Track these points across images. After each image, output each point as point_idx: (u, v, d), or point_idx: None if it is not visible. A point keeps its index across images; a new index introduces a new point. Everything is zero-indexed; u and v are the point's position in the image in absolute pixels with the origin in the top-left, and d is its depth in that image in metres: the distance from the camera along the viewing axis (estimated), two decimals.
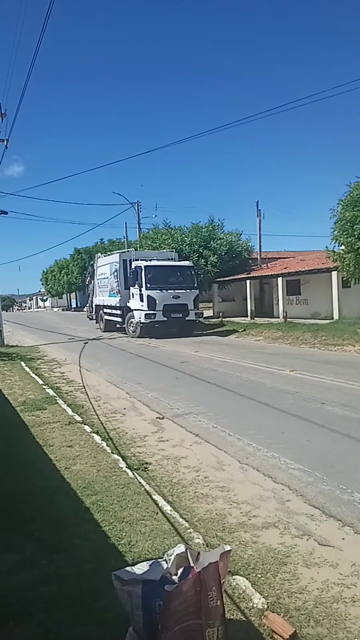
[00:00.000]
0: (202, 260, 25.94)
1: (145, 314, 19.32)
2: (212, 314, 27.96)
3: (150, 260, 20.63)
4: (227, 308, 27.82)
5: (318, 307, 21.99)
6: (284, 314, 20.98)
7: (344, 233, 15.50)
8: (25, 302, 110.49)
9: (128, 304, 20.71)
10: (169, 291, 19.53)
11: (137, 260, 20.39)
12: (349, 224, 15.20)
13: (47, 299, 77.25)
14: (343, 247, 16.07)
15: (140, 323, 19.68)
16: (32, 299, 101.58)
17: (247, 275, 26.18)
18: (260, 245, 31.88)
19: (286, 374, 10.53)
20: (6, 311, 57.80)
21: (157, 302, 19.24)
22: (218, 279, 27.27)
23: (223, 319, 24.12)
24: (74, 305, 60.78)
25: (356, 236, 14.96)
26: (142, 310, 19.53)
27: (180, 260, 22.50)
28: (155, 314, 19.22)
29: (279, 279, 23.23)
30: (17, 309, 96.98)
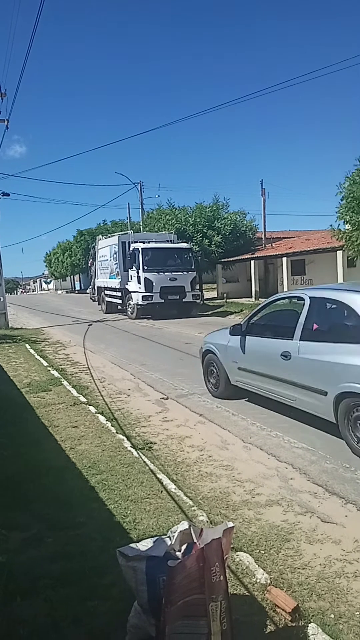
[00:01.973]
0: (206, 241, 25.76)
1: (143, 296, 19.45)
2: (216, 295, 27.90)
3: (148, 242, 20.67)
4: (232, 289, 27.72)
5: None
6: None
7: (350, 210, 15.27)
8: (29, 285, 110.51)
9: (126, 286, 20.83)
10: (166, 273, 19.60)
11: (135, 242, 20.45)
12: (356, 201, 14.95)
13: (50, 281, 77.16)
14: (349, 225, 15.85)
15: (138, 305, 19.81)
16: (36, 281, 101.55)
17: (252, 256, 26.02)
18: (264, 225, 31.67)
19: None
20: (10, 294, 57.96)
21: (154, 284, 19.36)
22: (222, 260, 27.11)
23: (227, 300, 24.07)
24: (77, 288, 60.75)
25: None
26: (139, 292, 19.68)
27: (180, 242, 22.48)
28: (153, 295, 19.35)
29: (284, 259, 23.09)
30: (21, 292, 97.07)
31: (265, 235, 31.07)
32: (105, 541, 3.14)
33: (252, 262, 25.43)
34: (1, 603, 2.57)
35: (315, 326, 5.33)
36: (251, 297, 24.93)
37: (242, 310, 20.82)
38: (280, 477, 4.30)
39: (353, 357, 4.58)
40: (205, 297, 27.04)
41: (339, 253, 19.00)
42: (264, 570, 2.84)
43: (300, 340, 5.32)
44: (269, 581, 2.72)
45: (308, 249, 21.98)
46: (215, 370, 7.16)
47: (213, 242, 25.83)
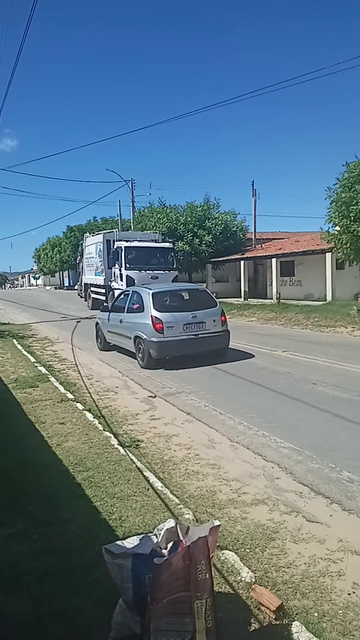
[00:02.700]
0: (197, 240, 25.76)
1: None
2: None
3: (132, 241, 20.98)
4: (221, 289, 27.75)
5: (311, 289, 22.02)
6: (278, 295, 20.99)
7: (339, 214, 15.41)
8: (18, 280, 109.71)
9: (110, 283, 21.16)
10: (147, 271, 19.76)
11: (119, 240, 20.78)
12: (344, 205, 15.10)
13: (39, 277, 76.64)
14: (338, 227, 15.99)
15: None
16: (25, 276, 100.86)
17: (242, 256, 26.07)
18: (255, 226, 31.65)
19: (278, 354, 10.58)
20: None
21: (135, 281, 19.35)
22: (212, 259, 27.15)
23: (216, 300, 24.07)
24: (66, 284, 60.43)
25: (352, 218, 14.87)
26: (121, 289, 19.77)
27: (164, 242, 22.71)
28: None
29: (273, 259, 23.17)
30: (9, 287, 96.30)
31: (255, 235, 31.11)
32: (90, 538, 3.13)
33: (242, 262, 25.48)
34: None
35: (136, 305, 9.99)
36: (240, 297, 24.97)
37: (230, 310, 20.89)
38: (267, 476, 4.32)
39: (139, 319, 9.61)
40: None
41: (328, 255, 19.13)
42: (249, 568, 2.86)
43: (126, 313, 10.31)
44: (253, 580, 2.74)
45: (297, 250, 22.09)
46: (100, 334, 11.85)
47: (203, 242, 25.83)
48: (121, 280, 19.96)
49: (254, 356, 10.37)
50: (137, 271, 19.71)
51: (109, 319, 11.14)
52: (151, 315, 9.28)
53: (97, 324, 12.05)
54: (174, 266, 20.94)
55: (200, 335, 9.47)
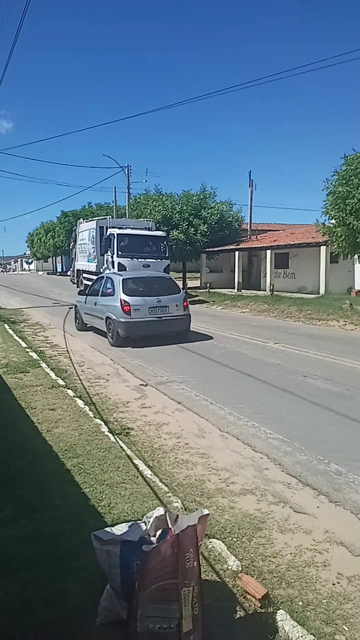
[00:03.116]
0: (192, 229, 25.63)
1: None
2: (199, 284, 27.89)
3: (125, 228, 21.02)
4: (215, 279, 27.75)
5: (305, 282, 22.08)
6: (271, 287, 21.02)
7: (335, 207, 15.41)
8: (10, 265, 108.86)
9: (102, 270, 21.07)
10: (139, 259, 19.84)
11: (112, 227, 20.78)
12: (341, 198, 15.09)
13: (32, 261, 76.08)
14: (334, 220, 15.99)
15: None
16: (17, 261, 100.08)
17: (236, 247, 26.02)
18: (250, 217, 31.63)
19: (270, 346, 10.62)
20: None
21: (127, 269, 19.41)
22: (207, 249, 27.08)
23: (210, 290, 24.09)
24: (59, 270, 60.08)
25: (347, 211, 14.88)
26: None
27: (157, 230, 22.81)
28: None
29: (268, 251, 23.16)
30: (1, 271, 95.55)
31: (250, 226, 31.06)
32: (79, 524, 3.14)
33: (237, 253, 25.45)
34: None
35: (109, 290, 11.25)
36: (234, 288, 24.98)
37: (223, 301, 20.91)
38: (255, 467, 4.35)
39: (110, 302, 10.83)
40: (188, 286, 27.05)
41: (323, 248, 19.15)
42: (236, 557, 2.88)
43: (100, 296, 11.54)
44: (240, 568, 2.76)
45: (292, 242, 22.09)
46: (78, 316, 13.10)
47: (199, 231, 25.71)
48: (113, 267, 19.81)
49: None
50: (129, 259, 19.71)
51: (85, 302, 12.44)
52: (120, 299, 10.63)
53: (75, 306, 13.48)
54: (167, 255, 21.02)
55: (163, 318, 10.89)
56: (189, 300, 22.76)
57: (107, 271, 20.87)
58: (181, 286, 25.03)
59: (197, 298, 23.07)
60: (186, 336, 11.32)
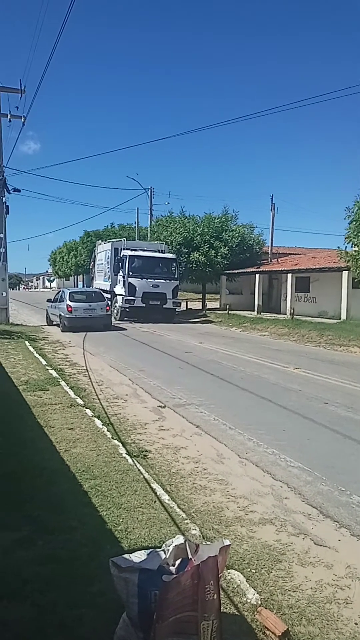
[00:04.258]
0: (213, 251, 25.78)
1: (125, 299, 21.18)
2: (218, 306, 27.88)
3: (137, 250, 22.35)
4: (234, 301, 27.71)
5: (326, 306, 21.88)
6: (291, 311, 20.89)
7: (357, 234, 15.35)
8: (32, 282, 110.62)
9: (114, 289, 22.52)
10: (149, 280, 21.12)
11: (126, 249, 22.12)
12: None
13: (54, 279, 77.11)
14: (356, 247, 15.91)
15: (121, 307, 21.54)
16: (39, 278, 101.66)
17: (257, 269, 26.03)
18: (272, 240, 31.62)
19: (290, 371, 10.50)
20: (12, 289, 57.91)
21: (136, 289, 21.03)
22: (227, 271, 27.14)
23: (229, 312, 24.07)
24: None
25: None
26: (123, 295, 21.35)
27: (168, 252, 24.02)
28: (135, 299, 21.09)
29: (289, 275, 23.09)
30: (24, 288, 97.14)
31: (271, 249, 31.06)
32: (95, 548, 3.11)
33: (257, 275, 25.44)
34: None
35: (62, 298, 17.88)
36: (253, 310, 24.89)
37: (242, 324, 20.87)
38: (275, 495, 4.26)
39: (62, 305, 17.60)
40: (207, 308, 27.08)
41: (345, 273, 19.01)
42: (255, 590, 2.81)
43: (57, 302, 18.30)
44: (259, 602, 2.69)
45: (314, 267, 22.00)
46: (47, 315, 19.58)
47: (219, 254, 25.84)
48: (124, 286, 21.28)
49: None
50: (138, 279, 21.00)
51: (51, 306, 19.43)
52: (66, 304, 17.27)
53: (47, 309, 20.04)
54: (176, 276, 22.18)
55: (92, 316, 17.57)
56: (202, 320, 23.36)
57: (118, 290, 22.68)
58: (200, 307, 26.72)
59: (205, 318, 24.11)
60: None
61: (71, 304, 17.15)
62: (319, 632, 2.55)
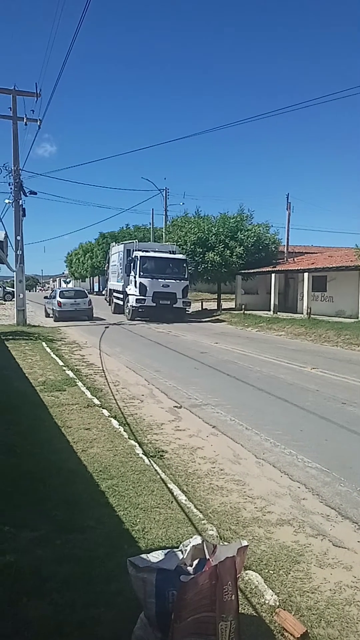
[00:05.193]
0: (228, 252, 25.70)
1: (136, 299, 21.66)
2: (234, 306, 27.79)
3: (149, 251, 22.97)
4: (250, 301, 27.58)
5: (343, 305, 21.65)
6: (308, 310, 20.72)
7: None
8: (49, 283, 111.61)
9: (126, 289, 23.06)
10: (159, 280, 21.63)
11: (137, 250, 22.69)
12: None
13: (70, 281, 77.57)
14: None
15: (132, 306, 22.06)
16: (56, 280, 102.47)
17: (273, 269, 25.85)
18: (287, 239, 31.34)
19: (307, 371, 10.42)
20: (29, 291, 58.55)
21: (147, 288, 21.52)
22: (242, 271, 27.02)
23: (245, 312, 23.97)
24: (96, 289, 61.12)
25: None
26: (134, 295, 21.84)
27: (179, 253, 24.50)
28: (145, 299, 21.57)
29: (305, 274, 22.91)
30: (40, 290, 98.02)
31: (287, 249, 30.81)
32: (113, 548, 3.12)
33: (273, 275, 25.27)
34: (8, 602, 2.57)
35: (54, 295, 23.55)
36: (269, 310, 24.74)
37: (258, 323, 20.77)
38: (293, 496, 4.23)
39: (54, 301, 22.74)
40: (223, 308, 27.00)
41: None
42: (273, 591, 2.79)
43: (51, 298, 23.89)
44: (277, 603, 2.67)
45: (331, 265, 21.78)
46: (45, 308, 25.14)
47: (234, 253, 25.75)
48: (135, 286, 21.78)
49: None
50: (149, 279, 21.52)
51: (47, 302, 24.56)
52: (57, 300, 21.79)
53: (45, 304, 25.34)
54: (186, 276, 22.66)
55: (77, 309, 21.88)
56: (218, 320, 23.52)
57: (130, 290, 23.79)
58: (216, 307, 27.45)
59: (220, 318, 24.27)
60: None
61: (60, 300, 22.00)
62: (338, 634, 2.53)
